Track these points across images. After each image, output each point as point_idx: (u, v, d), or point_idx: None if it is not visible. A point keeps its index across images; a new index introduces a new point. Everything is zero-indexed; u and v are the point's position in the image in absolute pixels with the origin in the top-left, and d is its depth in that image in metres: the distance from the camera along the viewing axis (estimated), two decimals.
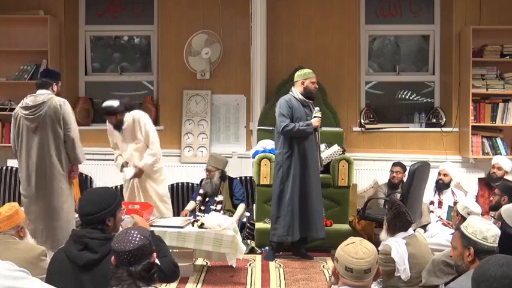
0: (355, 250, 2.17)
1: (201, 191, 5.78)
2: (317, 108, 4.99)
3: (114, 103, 4.93)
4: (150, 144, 5.02)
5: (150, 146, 5.02)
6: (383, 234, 3.65)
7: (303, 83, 4.95)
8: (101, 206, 2.53)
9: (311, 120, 4.90)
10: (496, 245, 2.60)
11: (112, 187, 6.13)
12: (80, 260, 2.42)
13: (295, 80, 5.02)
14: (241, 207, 5.69)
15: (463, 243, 2.64)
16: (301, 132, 4.85)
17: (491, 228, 2.65)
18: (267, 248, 5.17)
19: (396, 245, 3.44)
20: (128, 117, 4.99)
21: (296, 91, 4.96)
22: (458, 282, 2.47)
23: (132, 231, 2.17)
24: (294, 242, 4.97)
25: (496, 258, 1.90)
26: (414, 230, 4.13)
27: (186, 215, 5.58)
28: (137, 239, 2.12)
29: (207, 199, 5.73)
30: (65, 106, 4.54)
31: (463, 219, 3.62)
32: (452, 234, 3.69)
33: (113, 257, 2.15)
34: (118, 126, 5.02)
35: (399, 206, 3.59)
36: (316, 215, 4.91)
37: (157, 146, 5.04)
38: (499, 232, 2.67)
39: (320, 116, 4.95)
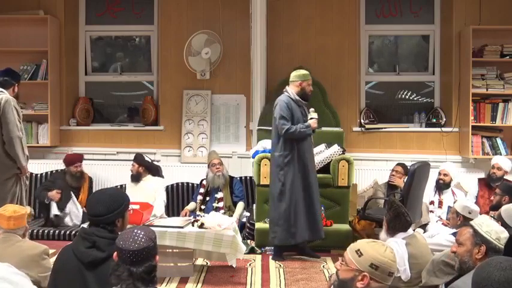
0: (392, 254, 2.09)
1: (201, 191, 5.80)
2: (312, 109, 4.95)
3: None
4: None
5: None
6: (382, 235, 3.65)
7: (300, 84, 4.91)
8: (112, 208, 2.54)
9: (309, 122, 4.87)
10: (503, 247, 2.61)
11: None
12: (86, 257, 2.43)
13: (291, 80, 4.97)
14: (241, 205, 5.71)
15: (476, 240, 2.64)
16: (301, 134, 4.83)
17: (504, 231, 2.67)
18: (267, 248, 5.17)
19: (396, 246, 3.44)
20: None
21: (292, 91, 4.92)
22: (464, 281, 2.44)
23: (139, 231, 2.16)
24: (295, 243, 4.97)
25: (498, 261, 1.86)
26: (414, 230, 4.12)
27: (186, 214, 5.59)
28: (142, 240, 2.12)
29: (207, 198, 5.74)
30: (5, 105, 4.42)
31: (465, 219, 3.63)
32: (453, 233, 3.70)
33: (115, 253, 2.15)
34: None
35: (398, 207, 3.58)
36: (316, 217, 4.91)
37: None
38: (508, 235, 2.67)
39: (317, 117, 4.91)
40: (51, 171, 6.30)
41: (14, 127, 4.41)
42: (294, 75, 4.98)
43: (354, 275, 2.05)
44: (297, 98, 4.90)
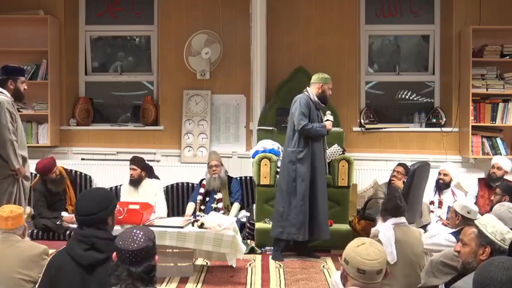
0: (367, 252, 2.10)
1: (201, 191, 5.80)
2: (329, 112, 5.06)
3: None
4: None
5: None
6: (378, 222, 3.73)
7: (321, 87, 4.94)
8: (103, 205, 2.51)
9: (325, 123, 4.95)
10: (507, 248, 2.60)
11: (111, 187, 6.17)
12: (86, 259, 2.40)
13: (313, 82, 5.00)
14: (236, 206, 5.73)
15: (480, 241, 2.63)
16: (317, 132, 4.88)
17: (509, 231, 2.65)
18: (267, 248, 5.16)
19: (384, 229, 3.53)
20: None
21: (312, 93, 4.96)
22: (465, 281, 2.43)
23: (138, 231, 2.17)
24: (297, 242, 4.97)
25: (500, 260, 1.86)
26: None
27: None
28: (142, 239, 2.12)
29: (207, 199, 5.74)
30: None
31: (464, 218, 3.63)
32: (452, 233, 3.70)
33: (114, 254, 2.15)
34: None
35: (395, 191, 3.76)
36: (322, 217, 4.93)
37: None
38: None
39: (332, 119, 5.02)
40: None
41: (5, 130, 4.36)
42: (316, 77, 5.01)
43: (342, 268, 2.20)
44: (316, 100, 4.95)
